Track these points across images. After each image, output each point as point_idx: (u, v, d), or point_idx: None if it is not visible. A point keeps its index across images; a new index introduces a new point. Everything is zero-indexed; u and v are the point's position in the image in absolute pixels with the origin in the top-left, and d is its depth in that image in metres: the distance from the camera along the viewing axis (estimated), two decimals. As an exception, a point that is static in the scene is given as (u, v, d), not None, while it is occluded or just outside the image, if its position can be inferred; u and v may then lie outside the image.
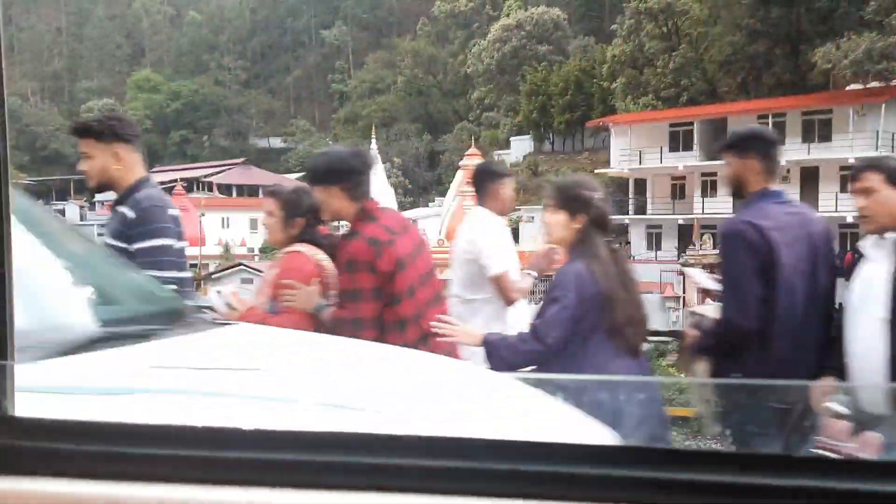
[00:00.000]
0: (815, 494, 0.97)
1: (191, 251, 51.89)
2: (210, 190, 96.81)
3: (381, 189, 66.40)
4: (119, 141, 3.90)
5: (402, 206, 71.35)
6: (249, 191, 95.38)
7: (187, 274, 4.04)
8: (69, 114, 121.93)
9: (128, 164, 3.92)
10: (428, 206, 73.95)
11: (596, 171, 52.81)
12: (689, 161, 46.16)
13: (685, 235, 47.47)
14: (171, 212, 3.98)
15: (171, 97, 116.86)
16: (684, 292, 41.41)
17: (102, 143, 3.85)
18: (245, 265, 49.88)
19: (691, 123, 46.91)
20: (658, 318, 41.51)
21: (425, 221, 57.76)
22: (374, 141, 71.27)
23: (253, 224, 64.66)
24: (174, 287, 3.58)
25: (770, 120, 43.34)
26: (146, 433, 1.11)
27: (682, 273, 42.36)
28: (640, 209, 50.72)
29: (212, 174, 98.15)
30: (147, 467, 1.05)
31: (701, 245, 42.11)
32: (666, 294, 41.40)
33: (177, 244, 3.93)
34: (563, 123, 65.82)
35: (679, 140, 47.50)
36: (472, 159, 53.18)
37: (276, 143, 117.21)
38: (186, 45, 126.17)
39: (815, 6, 47.83)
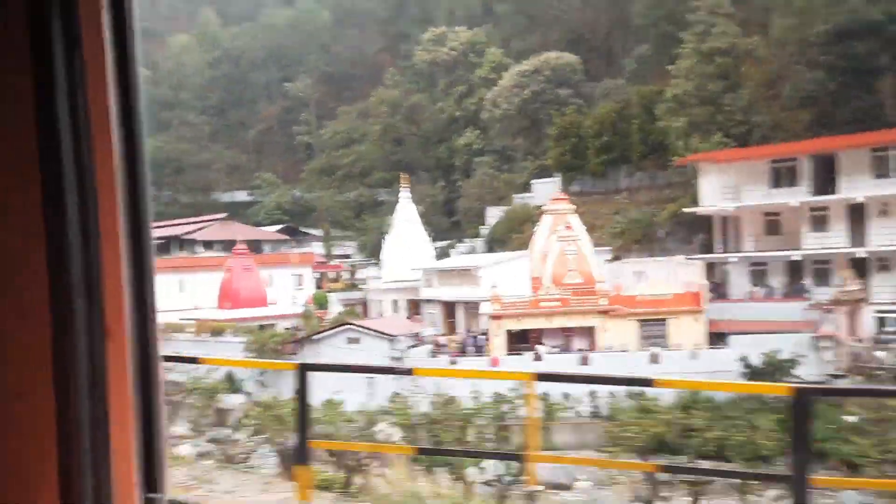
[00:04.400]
0: None
1: (264, 311, 46.04)
2: (192, 246, 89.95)
3: (419, 239, 61.82)
4: None
5: (444, 254, 66.86)
6: (230, 246, 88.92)
7: None
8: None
9: None
10: (449, 253, 69.65)
11: (685, 209, 49.92)
12: (799, 197, 43.62)
13: (794, 272, 44.89)
14: None
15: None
16: (837, 330, 38.55)
17: None
18: (351, 324, 44.58)
19: (795, 159, 44.50)
20: (812, 358, 38.50)
21: (490, 270, 53.74)
22: (404, 188, 67.05)
23: (298, 280, 59.09)
24: None
25: (890, 152, 41.36)
26: None
27: (827, 311, 39.54)
28: (725, 247, 48.03)
29: (192, 231, 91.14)
30: None
31: (845, 281, 39.44)
32: (819, 333, 38.32)
33: None
34: (599, 165, 62.87)
35: (780, 176, 45.00)
36: (558, 203, 49.80)
37: (241, 196, 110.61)
38: (146, 103, 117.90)
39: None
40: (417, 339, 45.81)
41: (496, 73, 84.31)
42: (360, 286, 70.15)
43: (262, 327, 48.79)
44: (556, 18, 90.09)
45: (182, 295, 56.16)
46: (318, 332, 44.06)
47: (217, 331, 47.23)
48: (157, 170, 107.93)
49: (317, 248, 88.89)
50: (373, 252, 75.98)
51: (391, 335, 42.77)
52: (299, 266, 60.49)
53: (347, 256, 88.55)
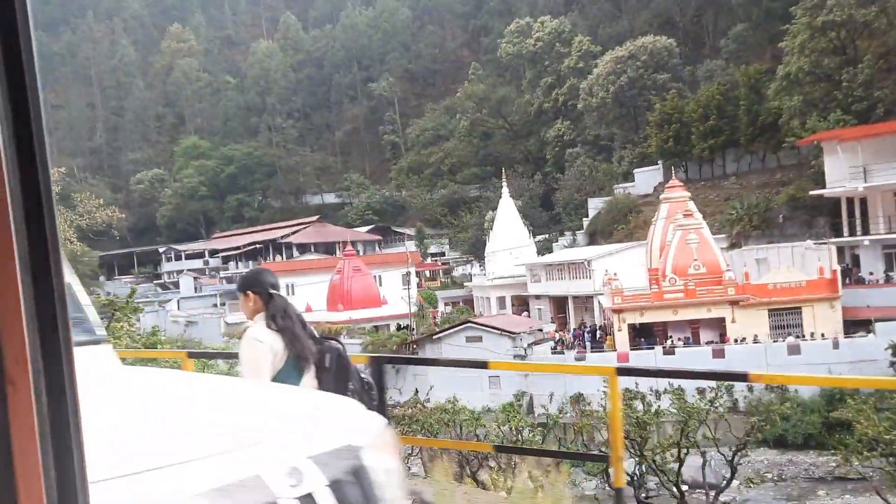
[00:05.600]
0: None
1: (377, 312, 45.48)
2: (290, 250, 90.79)
3: (521, 234, 60.54)
4: None
5: (544, 248, 65.65)
6: (325, 248, 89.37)
7: None
8: (116, 188, 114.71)
9: None
10: (551, 247, 68.36)
11: (811, 191, 47.60)
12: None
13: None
14: None
15: (225, 162, 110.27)
16: None
17: None
18: (472, 322, 43.87)
19: (930, 133, 41.89)
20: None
21: (600, 262, 52.24)
22: (504, 185, 66.04)
23: (405, 280, 58.61)
24: None
25: None
26: None
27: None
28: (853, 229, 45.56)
29: (287, 234, 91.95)
30: None
31: None
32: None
33: None
34: (706, 150, 60.65)
35: (917, 152, 42.41)
36: (674, 191, 48.05)
37: (330, 198, 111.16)
38: (233, 109, 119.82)
39: None
40: (537, 336, 44.74)
41: (584, 62, 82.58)
42: (463, 283, 69.49)
43: (376, 328, 48.44)
44: (643, 2, 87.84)
45: (292, 299, 56.45)
46: (438, 332, 43.35)
47: (331, 333, 47.00)
48: (248, 175, 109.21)
49: (409, 248, 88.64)
50: (471, 249, 75.15)
51: (513, 332, 41.81)
52: (405, 265, 60.04)
53: (442, 254, 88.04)
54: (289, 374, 4.38)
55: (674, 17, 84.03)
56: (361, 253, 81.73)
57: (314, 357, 4.50)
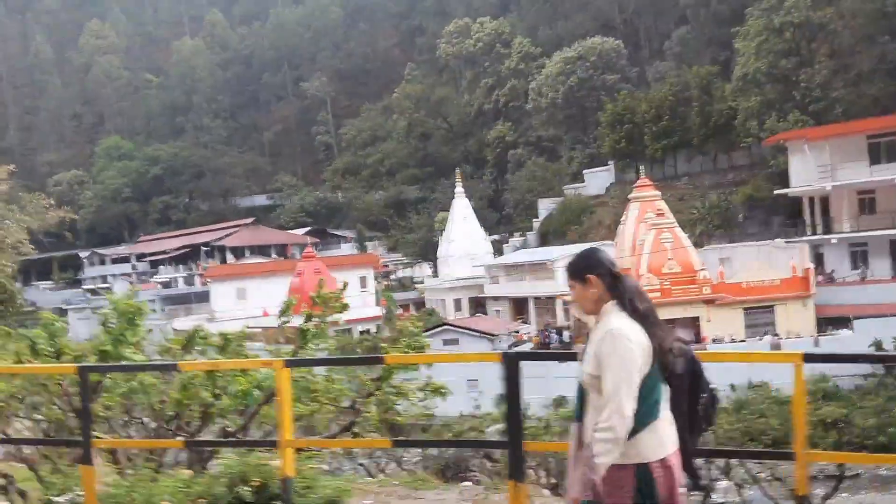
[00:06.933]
0: None
1: (341, 315, 43.72)
2: (223, 253, 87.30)
3: (474, 233, 59.28)
4: None
5: (496, 249, 64.65)
6: (262, 250, 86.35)
7: None
8: (30, 189, 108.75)
9: None
10: (502, 248, 67.45)
11: (776, 191, 47.86)
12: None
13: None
14: None
15: (149, 163, 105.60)
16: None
17: None
18: (449, 324, 42.28)
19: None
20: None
21: (561, 263, 51.47)
22: (458, 184, 64.69)
23: (363, 283, 56.56)
24: None
25: None
26: None
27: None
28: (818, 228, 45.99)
29: (220, 238, 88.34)
30: None
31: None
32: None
33: None
34: (658, 151, 60.66)
35: (879, 152, 42.93)
36: (644, 190, 47.57)
37: (261, 200, 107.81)
38: (157, 108, 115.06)
39: None
40: (517, 338, 43.60)
41: (525, 63, 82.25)
42: (409, 286, 67.94)
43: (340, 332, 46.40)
44: (581, 4, 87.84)
45: (243, 302, 53.78)
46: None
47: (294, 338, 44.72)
48: (174, 176, 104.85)
49: (346, 250, 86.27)
50: (421, 251, 73.55)
51: (492, 334, 40.50)
52: (363, 267, 58.27)
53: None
54: (656, 380, 3.43)
55: (612, 20, 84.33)
56: (297, 256, 79.17)
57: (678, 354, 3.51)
